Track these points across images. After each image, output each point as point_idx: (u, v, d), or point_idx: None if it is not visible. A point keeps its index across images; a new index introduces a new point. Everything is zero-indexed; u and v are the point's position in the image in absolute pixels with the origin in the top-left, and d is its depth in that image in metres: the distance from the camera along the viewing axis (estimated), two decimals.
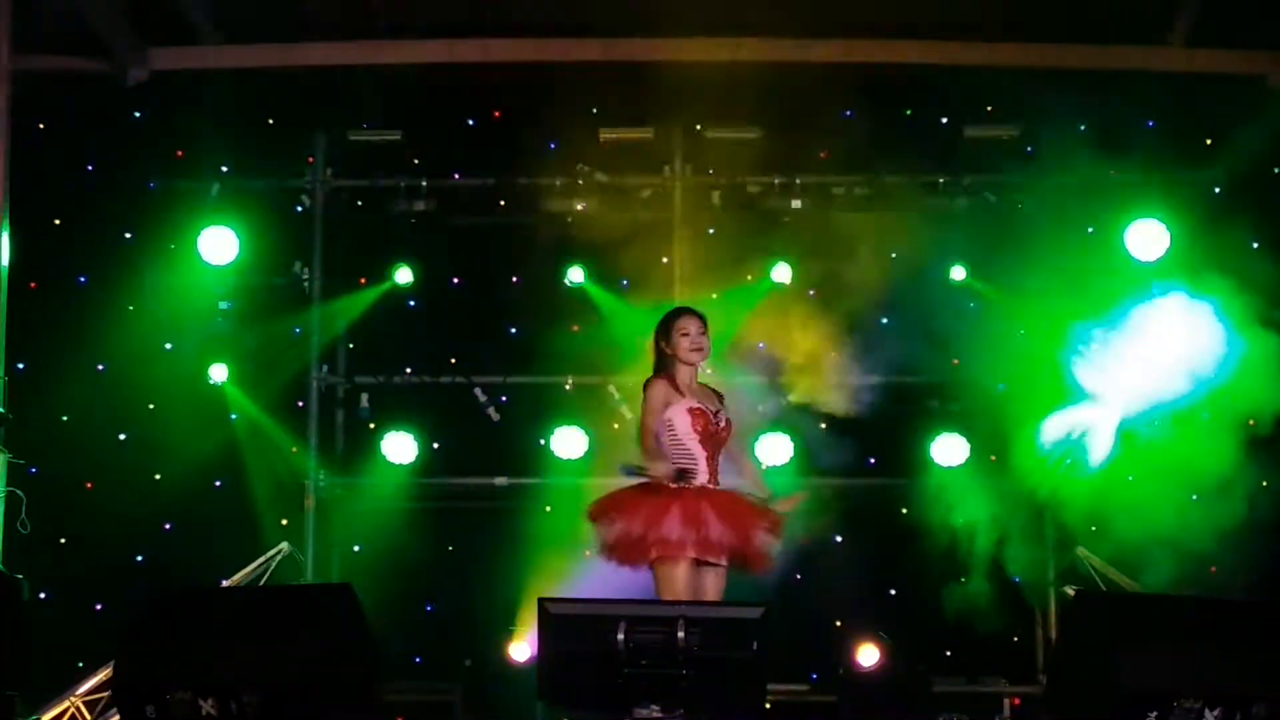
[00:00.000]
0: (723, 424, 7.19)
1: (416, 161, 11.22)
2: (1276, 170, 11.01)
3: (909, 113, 11.11)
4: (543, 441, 11.03)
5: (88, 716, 9.63)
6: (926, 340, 10.99)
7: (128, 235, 11.14)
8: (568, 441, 10.94)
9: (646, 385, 7.21)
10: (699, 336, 7.18)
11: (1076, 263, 10.79)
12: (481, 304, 11.40)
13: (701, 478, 7.07)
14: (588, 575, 7.87)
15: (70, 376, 10.73)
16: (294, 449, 11.16)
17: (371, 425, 11.25)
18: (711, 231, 11.28)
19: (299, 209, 11.39)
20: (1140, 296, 10.39)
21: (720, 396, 7.36)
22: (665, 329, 7.23)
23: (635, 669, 6.00)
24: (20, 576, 8.17)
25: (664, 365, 7.21)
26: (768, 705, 6.83)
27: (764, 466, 10.71)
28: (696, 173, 11.18)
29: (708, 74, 10.85)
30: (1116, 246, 10.78)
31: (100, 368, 10.92)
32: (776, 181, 11.03)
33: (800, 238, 11.04)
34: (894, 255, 11.08)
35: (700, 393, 7.21)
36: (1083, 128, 10.92)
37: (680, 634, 6.00)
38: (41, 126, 10.78)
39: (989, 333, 10.96)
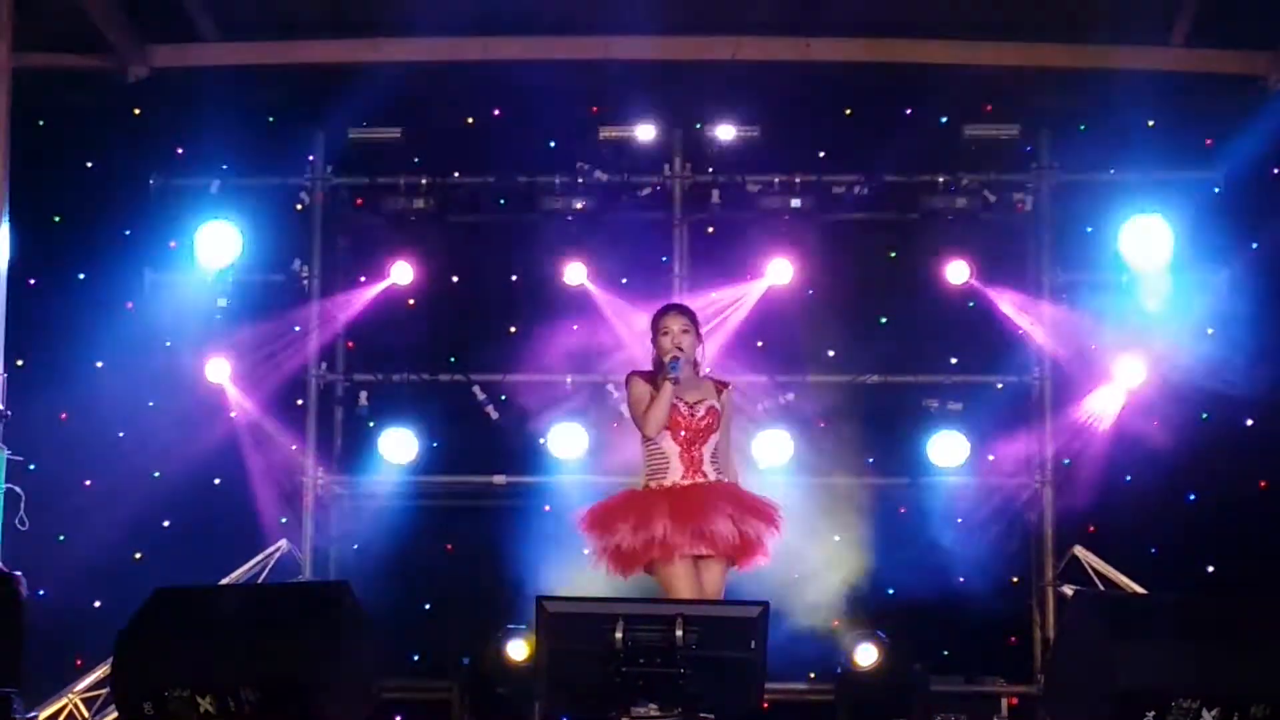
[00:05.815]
0: (700, 414, 7.24)
1: (416, 159, 11.18)
2: (1276, 171, 11.00)
3: (909, 111, 11.10)
4: (542, 440, 11.00)
5: (86, 713, 9.63)
6: (925, 339, 11.02)
7: (127, 232, 11.13)
8: (567, 440, 10.92)
9: (627, 381, 7.44)
10: (680, 335, 7.33)
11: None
12: (481, 302, 11.37)
13: (675, 473, 7.16)
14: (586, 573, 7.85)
15: (69, 373, 10.71)
16: (293, 446, 11.14)
17: (370, 423, 11.20)
18: (711, 230, 11.28)
19: (298, 206, 11.34)
20: None
21: (720, 387, 7.43)
22: (652, 326, 7.43)
23: (633, 668, 6.00)
24: (18, 573, 8.17)
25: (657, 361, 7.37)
26: (765, 704, 6.83)
27: (762, 465, 10.72)
28: (696, 171, 11.16)
29: (708, 72, 10.88)
30: (1115, 246, 10.77)
31: (99, 364, 10.91)
32: (776, 180, 11.01)
33: (799, 236, 11.03)
34: (893, 254, 11.13)
35: (686, 385, 7.26)
36: (1082, 127, 10.93)
37: (678, 632, 6.00)
38: (41, 123, 10.79)
39: (988, 331, 10.98)
